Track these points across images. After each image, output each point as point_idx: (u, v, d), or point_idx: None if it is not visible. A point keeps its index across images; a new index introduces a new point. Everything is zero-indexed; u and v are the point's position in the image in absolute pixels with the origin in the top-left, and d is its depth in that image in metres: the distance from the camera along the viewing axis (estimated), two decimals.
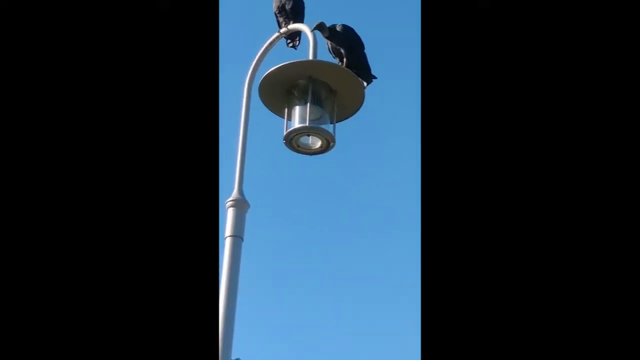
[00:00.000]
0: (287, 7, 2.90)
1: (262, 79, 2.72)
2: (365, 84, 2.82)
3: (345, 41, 2.86)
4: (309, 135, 2.74)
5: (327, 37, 2.81)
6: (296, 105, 2.73)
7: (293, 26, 2.89)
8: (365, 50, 2.96)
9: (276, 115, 2.83)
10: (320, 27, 2.75)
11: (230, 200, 2.65)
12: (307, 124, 2.67)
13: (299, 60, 2.74)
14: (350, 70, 2.77)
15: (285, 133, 2.72)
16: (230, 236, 2.63)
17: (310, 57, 2.73)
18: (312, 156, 2.83)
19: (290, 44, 2.97)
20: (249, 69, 2.87)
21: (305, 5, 2.94)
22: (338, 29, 2.81)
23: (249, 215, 2.74)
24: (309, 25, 2.84)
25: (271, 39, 2.92)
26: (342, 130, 2.86)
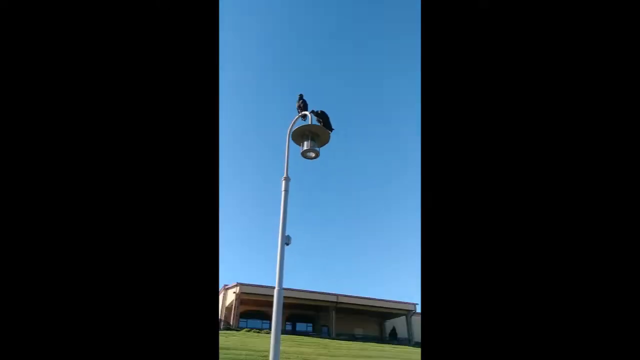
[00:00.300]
0: (302, 106, 6.03)
1: (292, 131, 5.84)
2: (330, 132, 5.86)
3: (322, 117, 5.96)
4: (310, 152, 5.79)
5: (316, 115, 5.95)
6: (305, 140, 5.72)
7: (303, 113, 6.02)
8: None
9: (297, 145, 5.76)
10: (313, 112, 5.97)
11: (283, 178, 5.49)
12: (309, 147, 5.72)
13: (306, 124, 5.72)
14: (324, 127, 5.85)
15: (301, 151, 5.71)
16: (283, 190, 5.73)
17: (310, 123, 5.73)
18: (312, 160, 5.83)
19: (303, 119, 6.08)
20: (289, 127, 6.06)
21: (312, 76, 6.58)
22: (319, 112, 5.92)
23: (291, 183, 5.56)
24: (309, 111, 6.02)
25: (296, 118, 6.06)
26: (323, 149, 5.96)
